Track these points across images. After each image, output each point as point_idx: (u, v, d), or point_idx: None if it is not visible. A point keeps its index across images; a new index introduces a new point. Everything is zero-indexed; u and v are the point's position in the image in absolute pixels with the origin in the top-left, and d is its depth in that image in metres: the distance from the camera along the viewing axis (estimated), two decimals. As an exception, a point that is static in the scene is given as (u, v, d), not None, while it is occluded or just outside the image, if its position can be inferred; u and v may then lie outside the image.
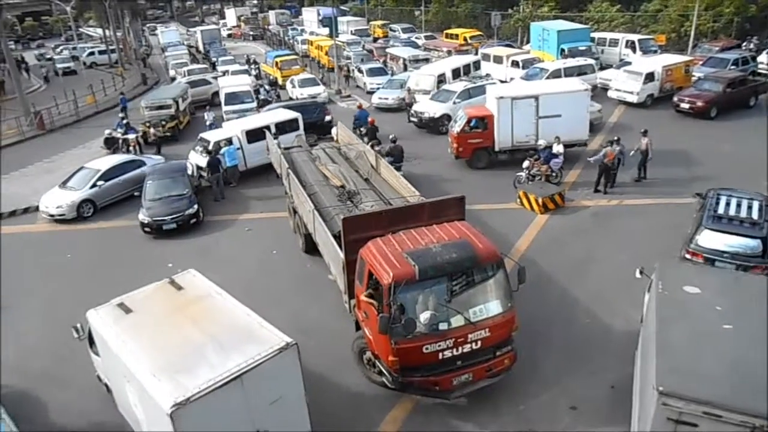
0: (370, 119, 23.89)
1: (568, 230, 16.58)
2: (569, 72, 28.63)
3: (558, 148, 19.18)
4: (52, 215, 19.83)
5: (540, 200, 17.51)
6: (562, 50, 34.83)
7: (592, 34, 37.70)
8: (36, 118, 32.14)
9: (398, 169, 19.09)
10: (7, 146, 29.63)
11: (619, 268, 14.24)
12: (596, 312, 12.75)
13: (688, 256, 12.73)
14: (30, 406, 11.30)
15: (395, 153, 20.40)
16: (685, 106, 25.60)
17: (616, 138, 18.67)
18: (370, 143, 20.90)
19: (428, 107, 26.49)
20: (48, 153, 27.75)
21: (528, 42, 41.75)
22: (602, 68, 32.99)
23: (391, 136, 21.34)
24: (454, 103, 25.55)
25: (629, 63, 30.40)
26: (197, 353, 8.34)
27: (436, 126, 25.75)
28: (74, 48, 60.92)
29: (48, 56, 60.58)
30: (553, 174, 19.12)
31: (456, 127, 21.42)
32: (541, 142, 19.36)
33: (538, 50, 37.30)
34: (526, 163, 19.11)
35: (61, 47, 66.51)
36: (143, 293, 10.22)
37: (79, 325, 10.88)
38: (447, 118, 25.22)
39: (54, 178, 23.86)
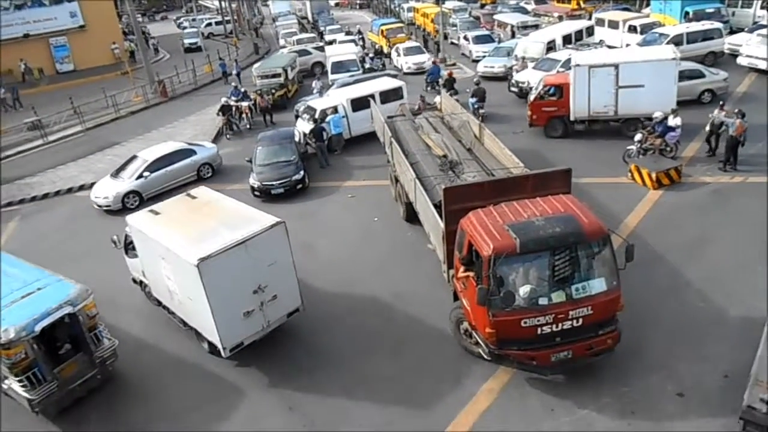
0: (447, 71, 25.92)
1: (683, 208, 15.54)
2: (692, 37, 26.41)
3: (675, 121, 17.83)
4: (99, 206, 19.75)
5: (654, 175, 16.50)
6: (686, 13, 32.10)
7: (723, -6, 34.46)
8: (159, 87, 34.49)
9: (481, 108, 22.96)
10: (135, 112, 32.15)
11: (740, 251, 13.25)
12: (711, 296, 11.94)
13: None
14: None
15: (479, 94, 22.91)
16: None
17: (737, 110, 17.11)
18: (449, 92, 22.48)
19: (529, 76, 25.36)
20: (170, 119, 29.85)
21: (647, 5, 38.92)
22: (732, 32, 30.13)
23: (474, 79, 23.16)
24: (558, 72, 24.18)
25: (763, 26, 27.54)
26: (212, 231, 11.23)
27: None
28: (193, 20, 64.35)
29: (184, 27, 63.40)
30: (668, 149, 17.88)
31: (532, 94, 21.01)
32: (658, 114, 18.08)
33: (658, 13, 34.64)
34: (638, 136, 17.96)
35: (182, 19, 70.51)
36: (166, 203, 13.04)
37: (116, 237, 13.98)
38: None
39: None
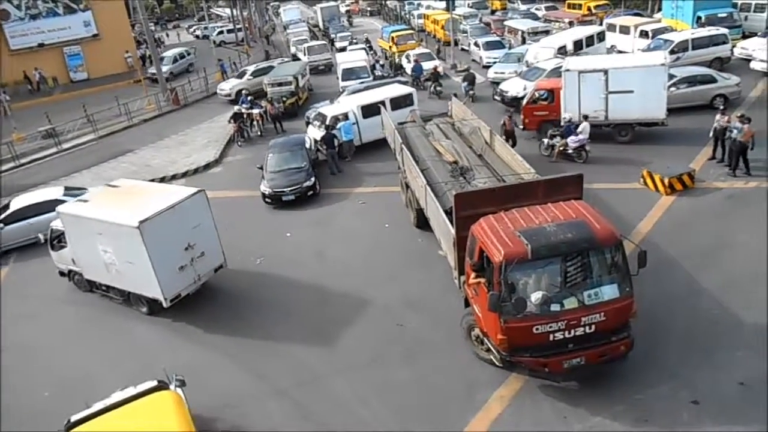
0: (433, 66, 29.43)
1: (696, 213, 15.40)
2: (698, 43, 26.38)
3: (582, 127, 18.54)
4: None
5: (666, 180, 16.37)
6: (699, 18, 31.92)
7: (735, -1, 34.23)
8: (171, 94, 34.80)
9: (471, 90, 26.95)
10: (148, 120, 32.44)
11: (755, 258, 13.07)
12: (726, 303, 11.79)
13: None
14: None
15: (469, 78, 27.07)
16: None
17: (740, 114, 16.96)
18: (433, 85, 28.26)
19: (513, 85, 25.50)
20: (182, 126, 30.09)
21: (659, 10, 38.70)
22: (745, 37, 29.93)
23: (465, 65, 26.60)
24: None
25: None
26: (143, 203, 13.17)
27: (519, 105, 24.25)
28: (205, 28, 64.88)
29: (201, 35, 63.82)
30: (571, 152, 18.47)
31: (525, 99, 21.54)
32: (566, 115, 18.95)
33: (670, 19, 34.45)
34: (549, 133, 19.18)
35: (193, 27, 71.18)
36: (91, 194, 15.20)
37: (41, 235, 15.89)
38: None
39: (189, 149, 25.97)
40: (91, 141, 29.51)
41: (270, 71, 33.16)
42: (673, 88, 20.51)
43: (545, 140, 19.67)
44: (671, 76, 20.41)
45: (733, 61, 27.51)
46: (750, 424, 9.04)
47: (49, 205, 17.17)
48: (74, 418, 8.81)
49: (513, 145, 18.23)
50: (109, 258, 13.52)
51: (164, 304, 13.28)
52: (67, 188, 19.78)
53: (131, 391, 9.35)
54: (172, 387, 9.63)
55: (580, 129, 18.83)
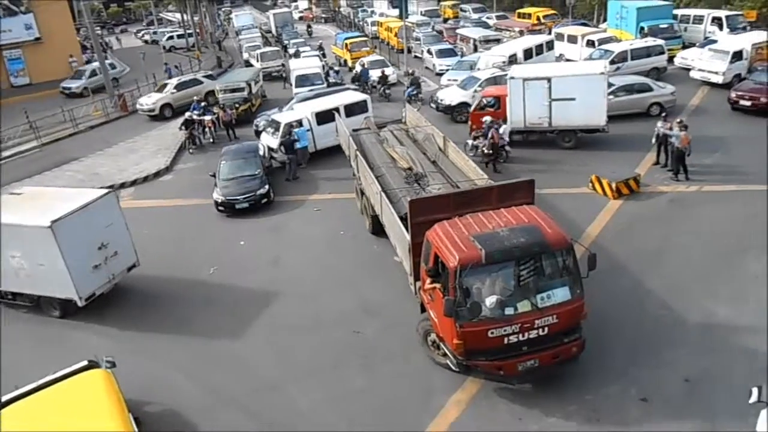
0: (381, 70, 30.75)
1: (643, 217, 15.94)
2: (637, 54, 27.52)
3: (503, 128, 19.59)
4: None
5: (613, 185, 16.90)
6: (642, 29, 33.21)
7: (675, 11, 35.69)
8: (120, 100, 33.84)
9: (419, 92, 27.78)
10: (95, 127, 31.45)
11: (697, 259, 13.66)
12: (671, 303, 12.23)
13: None
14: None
15: (415, 82, 28.17)
16: (745, 103, 22.33)
17: (679, 120, 17.71)
18: (382, 88, 29.91)
19: (448, 94, 26.06)
20: (131, 134, 29.24)
21: (605, 20, 40.04)
22: (685, 47, 31.27)
23: (410, 70, 29.56)
24: (476, 91, 24.77)
25: (714, 41, 28.63)
26: (52, 206, 13.16)
27: (453, 114, 25.16)
28: (155, 32, 63.58)
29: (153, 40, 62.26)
30: (486, 151, 19.33)
31: (473, 106, 22.35)
32: (487, 118, 19.90)
33: (615, 29, 35.72)
34: (472, 134, 20.36)
35: (142, 32, 69.59)
36: None
37: None
38: (466, 106, 24.64)
39: (138, 157, 25.31)
40: (34, 149, 28.33)
41: (194, 84, 32.28)
42: (611, 97, 21.24)
43: (469, 141, 20.33)
44: (610, 85, 21.14)
45: (673, 71, 28.72)
46: (695, 418, 9.40)
47: None
48: (5, 398, 8.80)
49: (496, 159, 18.94)
50: (17, 263, 13.35)
51: (79, 303, 13.28)
52: None
53: (63, 372, 9.57)
54: (102, 367, 9.80)
55: (501, 131, 19.56)
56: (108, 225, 13.77)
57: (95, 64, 40.56)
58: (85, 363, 9.91)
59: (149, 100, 31.93)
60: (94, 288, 13.59)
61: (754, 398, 8.38)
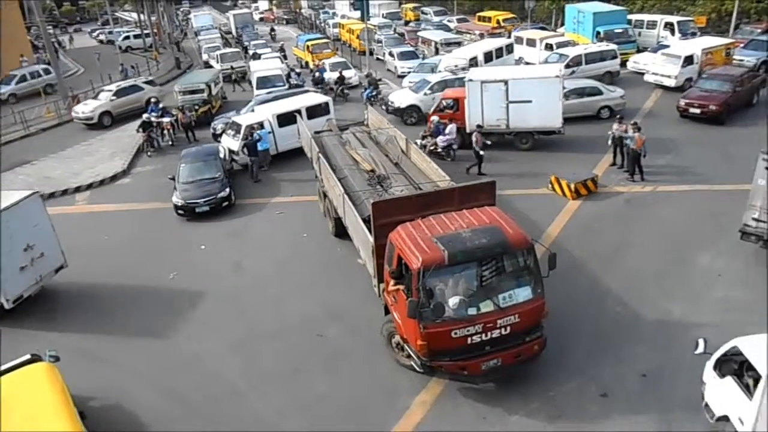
0: (338, 72, 30.97)
1: (600, 217, 16.33)
2: (591, 58, 28.23)
3: (450, 128, 20.28)
4: None
5: (572, 185, 17.26)
6: (598, 33, 34.02)
7: (629, 16, 36.69)
8: (73, 102, 32.82)
9: (378, 93, 28.56)
10: (47, 129, 30.44)
11: (653, 257, 14.07)
12: (627, 301, 12.57)
13: None
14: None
15: (373, 83, 29.24)
16: (695, 111, 22.55)
17: (633, 122, 18.23)
18: (339, 88, 30.26)
19: (398, 97, 26.31)
20: (85, 136, 28.41)
21: (562, 24, 40.87)
22: (638, 51, 32.17)
23: (366, 72, 30.25)
24: (426, 94, 25.14)
25: (666, 46, 29.56)
26: None
27: (402, 116, 25.32)
28: (110, 32, 62.02)
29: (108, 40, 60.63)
30: (442, 152, 20.12)
31: (432, 107, 22.67)
32: (434, 118, 20.73)
33: (572, 33, 36.49)
34: (421, 134, 20.93)
35: (97, 31, 67.81)
36: None
37: None
38: (416, 109, 25.00)
39: (93, 159, 24.64)
40: (-18, 152, 27.32)
41: (134, 91, 30.88)
42: (563, 99, 21.66)
43: (418, 140, 20.45)
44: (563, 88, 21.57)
45: (626, 75, 29.50)
46: (652, 412, 9.66)
47: None
48: None
49: (480, 163, 19.08)
50: None
51: (6, 306, 13.12)
52: None
53: (5, 366, 9.58)
54: (45, 360, 9.80)
55: (447, 130, 20.12)
56: (34, 225, 13.73)
57: (25, 69, 39.03)
58: (28, 357, 9.90)
59: (86, 108, 29.91)
60: (22, 290, 13.47)
61: (700, 349, 8.97)
